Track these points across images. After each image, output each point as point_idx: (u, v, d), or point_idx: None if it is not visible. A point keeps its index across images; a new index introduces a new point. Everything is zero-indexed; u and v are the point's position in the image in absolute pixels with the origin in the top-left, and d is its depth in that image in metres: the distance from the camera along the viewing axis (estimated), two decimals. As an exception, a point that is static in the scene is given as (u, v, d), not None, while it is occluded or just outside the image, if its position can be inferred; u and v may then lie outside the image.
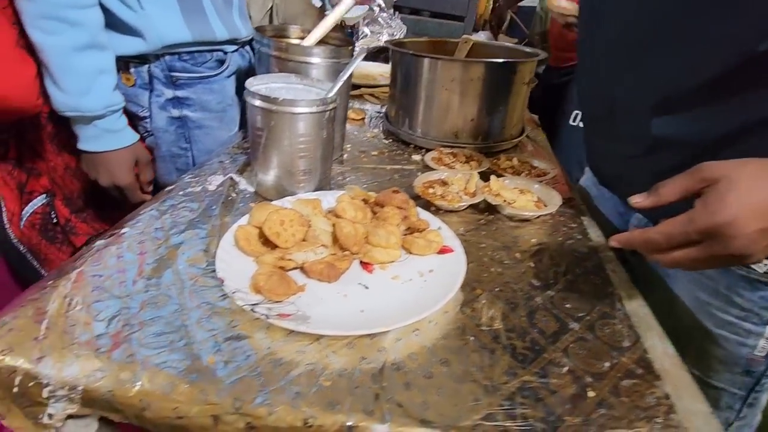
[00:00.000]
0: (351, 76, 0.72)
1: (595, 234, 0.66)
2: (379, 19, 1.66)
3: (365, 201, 0.63)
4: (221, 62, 0.88)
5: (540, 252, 0.61)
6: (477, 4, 1.68)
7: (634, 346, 0.45)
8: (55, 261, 0.75)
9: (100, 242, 0.54)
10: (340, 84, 0.66)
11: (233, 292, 0.46)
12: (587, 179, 0.83)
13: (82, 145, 0.72)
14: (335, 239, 0.56)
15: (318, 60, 0.75)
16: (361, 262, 0.55)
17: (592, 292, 0.54)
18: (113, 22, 0.68)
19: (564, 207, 0.71)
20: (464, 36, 1.13)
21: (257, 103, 0.63)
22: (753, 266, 0.51)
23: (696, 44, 0.47)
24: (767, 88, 0.45)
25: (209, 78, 0.87)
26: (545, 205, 0.70)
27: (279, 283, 0.47)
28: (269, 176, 0.68)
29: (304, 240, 0.55)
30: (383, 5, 1.68)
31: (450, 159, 0.84)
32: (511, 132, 0.96)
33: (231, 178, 0.72)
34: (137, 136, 0.76)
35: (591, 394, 0.40)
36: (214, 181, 0.71)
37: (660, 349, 0.46)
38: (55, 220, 0.75)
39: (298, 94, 0.70)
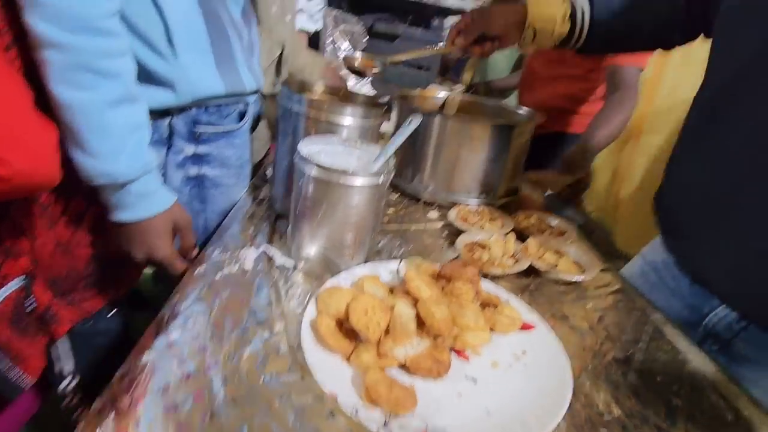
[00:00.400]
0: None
1: (641, 301, 0.69)
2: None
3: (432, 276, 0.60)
4: (243, 114, 0.81)
5: (602, 319, 0.63)
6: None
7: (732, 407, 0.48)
8: (29, 358, 0.60)
9: (147, 356, 0.44)
10: (393, 150, 0.63)
11: (355, 412, 0.39)
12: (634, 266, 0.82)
13: (115, 216, 0.59)
14: (420, 324, 0.52)
15: (353, 121, 0.71)
16: (452, 349, 0.52)
17: (669, 360, 0.56)
18: (139, 72, 0.58)
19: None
20: (452, 93, 1.17)
21: (314, 173, 0.57)
22: None
23: None
24: None
25: (233, 132, 0.78)
26: (582, 267, 0.73)
27: (400, 392, 0.41)
28: (314, 249, 0.62)
29: (388, 328, 0.51)
30: (348, 49, 1.68)
31: (476, 218, 0.85)
32: (512, 185, 1.00)
33: (265, 253, 0.64)
34: (175, 196, 0.65)
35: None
36: (248, 257, 0.63)
37: (750, 411, 0.48)
38: (30, 308, 0.60)
39: (343, 159, 0.66)
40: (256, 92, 0.80)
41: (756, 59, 0.57)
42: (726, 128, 0.62)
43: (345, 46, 1.68)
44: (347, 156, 0.67)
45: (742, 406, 0.50)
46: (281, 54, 0.96)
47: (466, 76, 0.94)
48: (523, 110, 1.05)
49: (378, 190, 0.59)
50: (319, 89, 0.82)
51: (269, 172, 0.92)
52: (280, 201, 0.78)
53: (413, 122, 0.64)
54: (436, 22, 1.81)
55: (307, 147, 0.63)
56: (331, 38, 1.67)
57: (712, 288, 0.65)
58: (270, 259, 0.64)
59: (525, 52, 0.87)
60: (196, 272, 0.57)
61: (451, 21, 1.92)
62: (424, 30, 1.65)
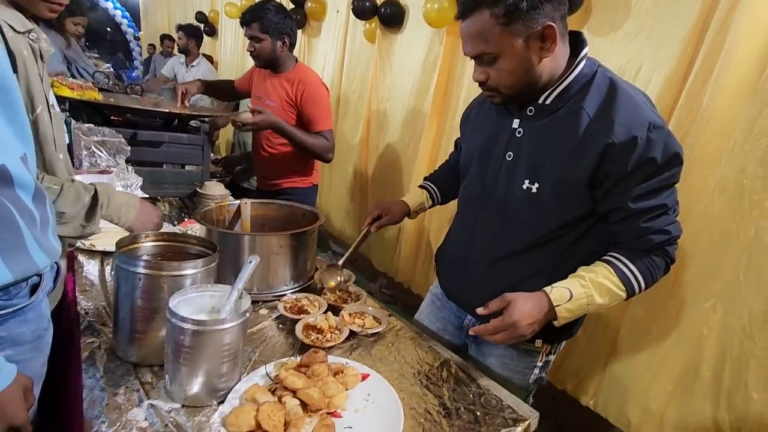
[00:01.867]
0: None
1: (416, 330, 1.11)
2: (112, 173, 1.63)
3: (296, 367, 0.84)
4: (36, 286, 0.80)
5: (400, 351, 1.00)
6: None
7: (490, 395, 0.91)
8: None
9: None
10: (241, 287, 0.83)
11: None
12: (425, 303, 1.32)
13: None
14: (304, 406, 0.76)
15: (192, 271, 0.86)
16: (328, 413, 0.77)
17: (438, 364, 0.97)
18: None
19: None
20: (243, 199, 1.40)
21: (191, 326, 0.73)
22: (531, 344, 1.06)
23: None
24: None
25: (23, 309, 0.78)
26: (380, 321, 1.10)
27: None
28: (196, 386, 0.76)
29: (285, 420, 0.72)
30: (109, 159, 1.65)
31: (298, 304, 1.11)
32: (313, 269, 1.31)
33: (152, 405, 0.74)
34: (14, 365, 0.65)
35: None
36: (138, 416, 0.71)
37: (487, 382, 0.93)
38: None
39: (200, 304, 0.82)
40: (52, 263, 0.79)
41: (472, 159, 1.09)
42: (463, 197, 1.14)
43: (104, 156, 1.65)
44: (201, 299, 0.83)
45: (471, 371, 0.94)
46: (95, 196, 0.96)
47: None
48: (307, 209, 1.37)
49: (245, 323, 0.79)
50: (147, 239, 0.92)
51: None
52: (127, 350, 0.85)
53: (253, 262, 0.86)
54: (195, 123, 1.97)
55: (172, 303, 0.77)
56: (88, 150, 1.61)
57: (462, 306, 1.16)
58: (158, 409, 0.74)
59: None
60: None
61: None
62: (190, 135, 1.79)
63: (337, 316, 1.07)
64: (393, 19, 2.55)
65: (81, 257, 1.23)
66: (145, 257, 0.92)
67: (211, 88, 2.32)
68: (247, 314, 0.79)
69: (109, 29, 9.82)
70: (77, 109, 1.66)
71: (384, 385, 0.85)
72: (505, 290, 0.91)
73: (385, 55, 2.69)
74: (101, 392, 0.76)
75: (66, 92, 1.60)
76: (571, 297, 0.88)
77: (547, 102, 0.93)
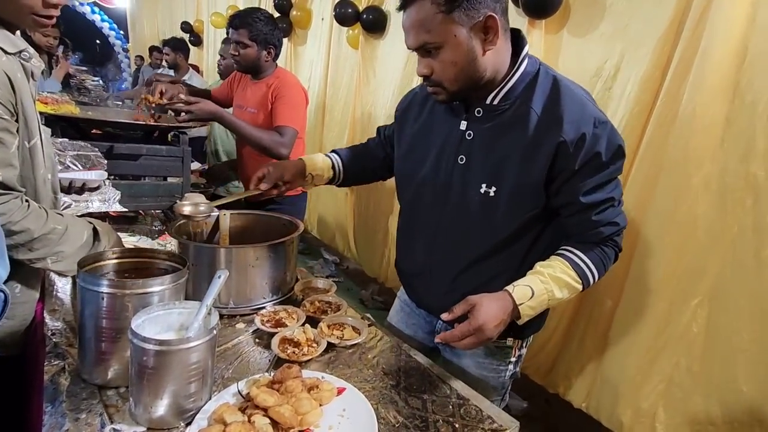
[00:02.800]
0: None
1: (395, 339, 1.09)
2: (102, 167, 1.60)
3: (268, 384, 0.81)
4: None
5: (378, 362, 0.97)
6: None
7: (457, 397, 0.89)
8: None
9: None
10: (210, 303, 0.81)
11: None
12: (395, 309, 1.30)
13: None
14: (275, 425, 0.73)
15: (159, 288, 0.83)
16: (300, 430, 0.75)
17: (419, 371, 0.95)
18: None
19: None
20: (222, 211, 1.37)
21: (155, 347, 0.70)
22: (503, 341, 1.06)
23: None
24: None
25: None
26: (359, 332, 1.07)
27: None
28: (162, 408, 0.73)
29: (254, 441, 0.70)
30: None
31: (275, 317, 1.08)
32: (293, 280, 1.28)
33: (114, 429, 0.71)
34: None
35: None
36: (101, 441, 0.68)
37: (467, 392, 0.91)
38: None
39: (167, 321, 0.79)
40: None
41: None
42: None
43: (79, 168, 1.62)
44: (168, 317, 0.80)
45: (451, 382, 0.92)
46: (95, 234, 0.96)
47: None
48: (287, 218, 1.35)
49: (212, 340, 0.77)
50: (109, 257, 0.90)
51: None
52: (92, 372, 0.82)
53: (222, 277, 0.84)
54: (173, 134, 1.94)
55: (135, 323, 0.74)
56: (63, 165, 1.58)
57: (432, 312, 1.14)
58: (121, 434, 0.71)
59: (306, 189, 1.26)
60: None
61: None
62: (170, 147, 1.76)
63: (316, 328, 1.05)
64: (375, 25, 2.55)
65: (53, 276, 1.20)
66: (109, 275, 0.89)
67: (192, 95, 2.25)
68: (215, 331, 0.76)
69: (98, 42, 9.78)
70: (51, 124, 1.63)
71: (360, 399, 0.82)
72: (470, 293, 0.89)
73: (368, 61, 2.69)
74: (62, 418, 0.73)
75: (40, 107, 1.57)
76: (533, 294, 0.89)
77: (495, 102, 0.93)
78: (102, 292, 0.79)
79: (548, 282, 0.90)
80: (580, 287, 0.93)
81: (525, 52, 0.91)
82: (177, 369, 0.73)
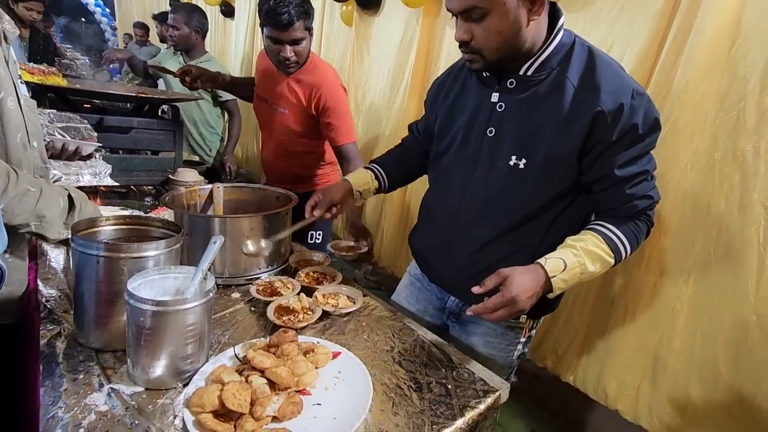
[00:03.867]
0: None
1: (393, 310, 1.10)
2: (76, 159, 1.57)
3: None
4: None
5: (374, 329, 0.99)
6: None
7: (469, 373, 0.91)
8: None
9: None
10: (206, 268, 0.81)
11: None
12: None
13: None
14: (272, 385, 0.74)
15: (154, 253, 0.83)
16: (297, 390, 0.76)
17: (413, 342, 0.97)
18: None
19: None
20: (216, 183, 1.37)
21: (152, 307, 0.70)
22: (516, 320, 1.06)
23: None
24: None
25: None
26: (354, 300, 1.08)
27: (283, 432, 0.64)
28: (159, 369, 0.74)
29: (252, 399, 0.71)
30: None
31: (271, 287, 1.09)
32: (287, 252, 1.29)
33: (112, 389, 0.72)
34: None
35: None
36: (98, 401, 0.69)
37: (460, 356, 0.93)
38: None
39: (164, 286, 0.79)
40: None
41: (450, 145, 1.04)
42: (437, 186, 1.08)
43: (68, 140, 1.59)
44: (164, 281, 0.81)
45: (444, 347, 0.94)
46: (71, 199, 0.94)
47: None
48: (281, 191, 1.34)
49: (208, 303, 0.77)
50: (107, 222, 0.89)
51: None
52: (89, 336, 0.82)
53: (217, 242, 0.84)
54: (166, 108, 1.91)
55: (131, 285, 0.74)
56: (51, 137, 1.55)
57: (445, 287, 1.15)
58: (119, 393, 0.72)
59: (357, 204, 1.22)
60: (55, 437, 0.62)
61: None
62: (161, 120, 1.74)
63: (311, 297, 1.06)
64: (370, 1, 2.51)
65: (46, 246, 1.19)
66: (104, 240, 0.89)
67: (232, 86, 1.88)
68: (211, 294, 0.77)
69: (83, 20, 9.49)
70: (38, 95, 1.60)
71: (355, 362, 0.84)
72: (490, 268, 0.89)
73: (362, 39, 2.65)
74: (60, 378, 0.73)
75: (26, 77, 1.54)
76: (566, 267, 0.87)
77: (529, 72, 0.91)
78: (97, 256, 0.78)
79: (581, 255, 0.89)
80: (612, 261, 0.91)
81: (561, 23, 0.89)
82: (174, 330, 0.73)
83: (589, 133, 0.86)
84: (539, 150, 0.90)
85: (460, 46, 0.91)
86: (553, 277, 0.87)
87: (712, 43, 1.29)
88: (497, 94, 0.95)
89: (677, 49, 1.36)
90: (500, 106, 0.95)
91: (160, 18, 3.77)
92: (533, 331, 1.14)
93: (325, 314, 1.02)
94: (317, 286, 1.12)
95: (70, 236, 0.83)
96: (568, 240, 0.93)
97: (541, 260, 0.89)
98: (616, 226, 0.92)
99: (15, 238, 0.92)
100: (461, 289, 1.09)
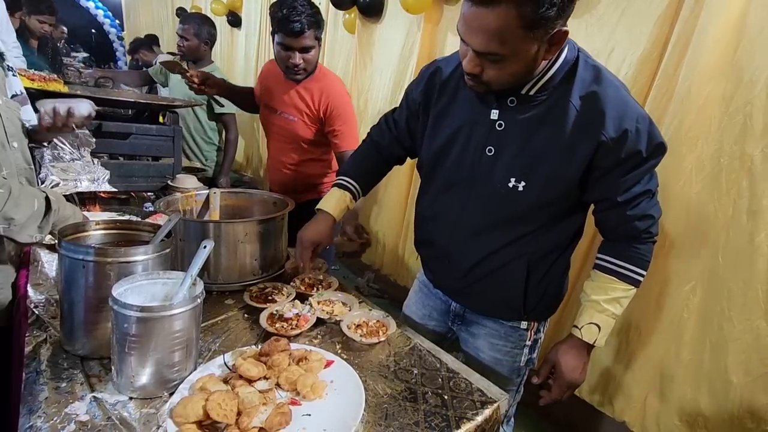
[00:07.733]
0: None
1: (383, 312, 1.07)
2: (75, 165, 1.57)
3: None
4: None
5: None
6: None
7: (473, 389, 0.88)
8: None
9: None
10: (195, 273, 0.79)
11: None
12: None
13: None
14: (264, 394, 0.72)
15: (142, 258, 0.82)
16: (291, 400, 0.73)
17: (409, 348, 0.94)
18: None
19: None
20: (212, 189, 1.35)
21: (131, 313, 0.68)
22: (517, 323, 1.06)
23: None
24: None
25: None
26: (349, 307, 1.06)
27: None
28: (145, 377, 0.72)
29: (239, 409, 0.68)
30: (73, 152, 1.60)
31: (270, 291, 1.07)
32: (282, 258, 1.27)
33: (95, 398, 0.70)
34: None
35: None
36: (79, 410, 0.67)
37: (457, 365, 0.90)
38: None
39: (152, 291, 0.77)
40: None
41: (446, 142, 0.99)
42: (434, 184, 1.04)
43: (68, 149, 1.59)
44: (153, 287, 0.79)
45: (441, 356, 0.91)
46: (48, 202, 0.93)
47: None
48: (278, 197, 1.33)
49: (196, 309, 0.75)
50: (96, 226, 0.88)
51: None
52: (75, 343, 0.80)
53: (207, 247, 0.82)
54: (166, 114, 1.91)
55: (116, 291, 0.72)
56: (49, 142, 1.55)
57: (446, 293, 1.14)
58: (102, 402, 0.69)
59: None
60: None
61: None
62: (160, 126, 1.73)
63: (306, 304, 1.03)
64: (372, 9, 2.51)
65: (41, 251, 1.18)
66: (92, 245, 0.88)
67: (233, 93, 1.88)
68: (199, 300, 0.75)
69: (93, 31, 9.64)
70: (38, 100, 1.60)
71: (347, 370, 0.81)
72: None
73: (365, 46, 2.65)
74: (42, 386, 0.71)
75: (26, 83, 1.54)
76: (600, 329, 0.95)
77: (531, 93, 0.87)
78: (84, 260, 0.77)
79: (607, 309, 0.95)
80: (634, 290, 0.95)
81: (566, 40, 0.83)
82: (159, 337, 0.71)
83: (591, 159, 0.85)
84: (539, 173, 0.88)
85: (466, 74, 0.85)
86: (594, 341, 0.95)
87: (715, 46, 1.26)
88: (497, 111, 0.91)
89: (680, 53, 1.34)
90: (500, 125, 0.91)
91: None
92: (540, 335, 1.11)
93: (320, 322, 0.99)
94: (312, 293, 1.10)
95: (44, 239, 0.82)
96: (588, 291, 0.97)
97: (576, 331, 0.96)
98: (623, 259, 0.94)
99: None
100: (463, 295, 1.10)
